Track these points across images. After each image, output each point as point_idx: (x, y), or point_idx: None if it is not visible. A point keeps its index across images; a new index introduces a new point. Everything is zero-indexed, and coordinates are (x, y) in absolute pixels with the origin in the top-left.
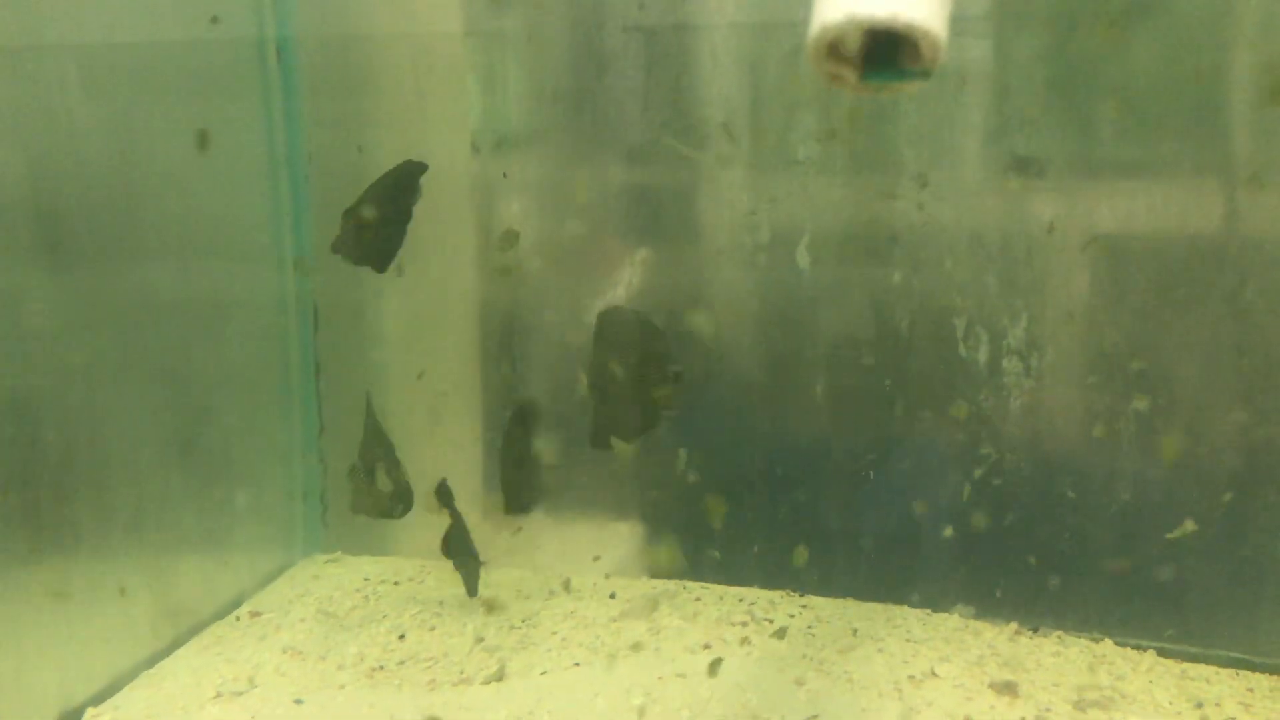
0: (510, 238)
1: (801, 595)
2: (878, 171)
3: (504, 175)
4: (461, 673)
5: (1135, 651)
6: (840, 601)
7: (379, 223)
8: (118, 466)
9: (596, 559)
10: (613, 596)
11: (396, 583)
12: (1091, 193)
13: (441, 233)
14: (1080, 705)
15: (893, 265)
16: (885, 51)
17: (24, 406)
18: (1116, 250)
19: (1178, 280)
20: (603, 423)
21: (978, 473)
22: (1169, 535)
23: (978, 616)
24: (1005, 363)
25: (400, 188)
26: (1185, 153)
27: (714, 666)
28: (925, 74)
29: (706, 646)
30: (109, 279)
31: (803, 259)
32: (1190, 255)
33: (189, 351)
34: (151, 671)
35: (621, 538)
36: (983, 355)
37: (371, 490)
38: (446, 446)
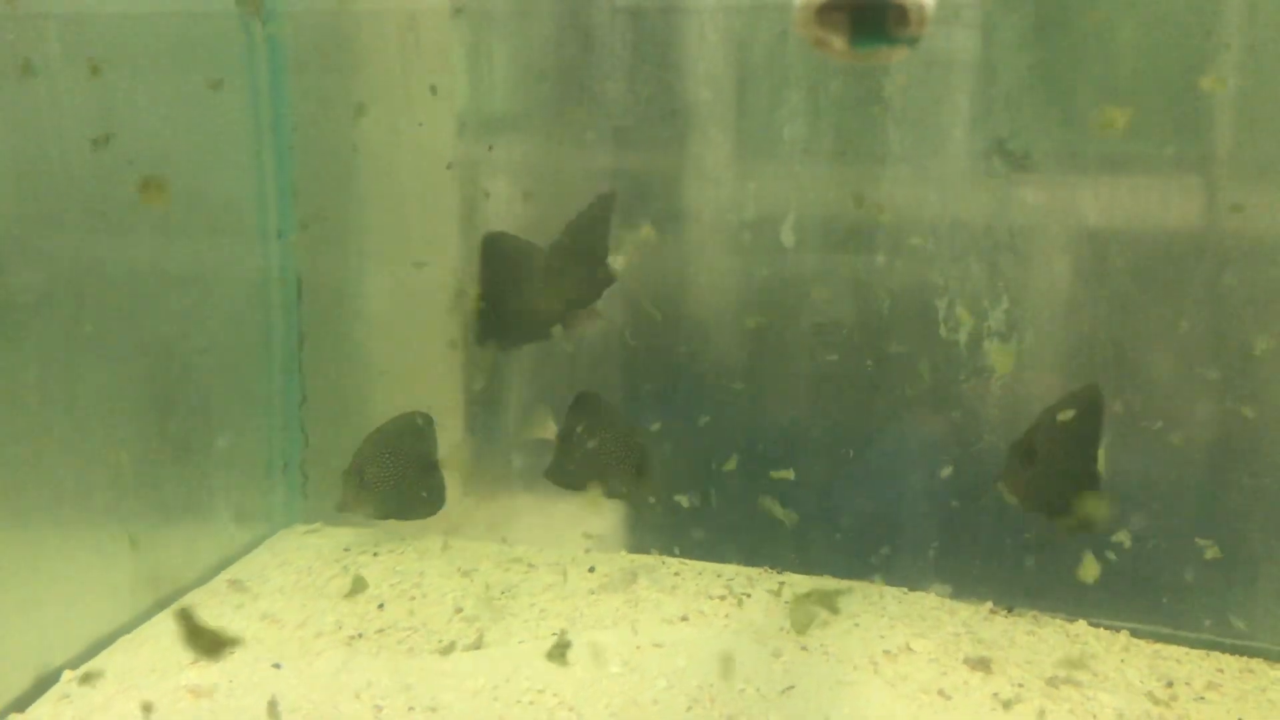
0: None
1: (780, 572)
2: (863, 153)
3: (489, 148)
4: (440, 641)
5: (1109, 632)
6: (818, 579)
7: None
8: (97, 433)
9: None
10: (591, 570)
11: (376, 554)
12: (1075, 181)
13: (426, 211)
14: (1053, 681)
15: (875, 248)
16: (873, 18)
17: (4, 375)
18: (1098, 238)
19: (1157, 268)
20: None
21: (956, 453)
22: (1138, 518)
23: (954, 596)
24: (986, 344)
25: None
26: (1170, 145)
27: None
28: (912, 41)
29: (684, 619)
30: (91, 248)
31: (787, 238)
32: (1170, 244)
33: (171, 320)
34: (130, 636)
35: (600, 511)
36: (963, 337)
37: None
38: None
